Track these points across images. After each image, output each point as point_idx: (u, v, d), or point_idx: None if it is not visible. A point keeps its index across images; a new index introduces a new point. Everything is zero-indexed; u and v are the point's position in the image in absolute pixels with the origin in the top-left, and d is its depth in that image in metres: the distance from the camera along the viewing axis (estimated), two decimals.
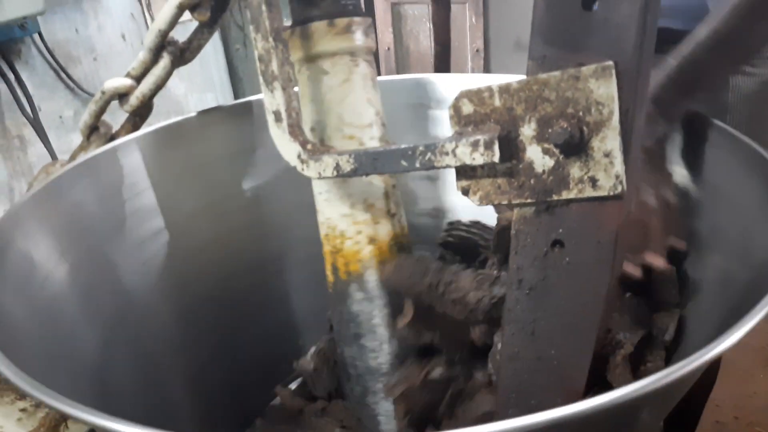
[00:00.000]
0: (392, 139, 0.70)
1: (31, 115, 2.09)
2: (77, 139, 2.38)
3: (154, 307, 0.72)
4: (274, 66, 0.57)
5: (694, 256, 0.67)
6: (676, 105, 0.72)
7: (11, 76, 1.99)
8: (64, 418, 0.86)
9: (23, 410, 0.93)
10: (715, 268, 0.63)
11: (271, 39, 0.56)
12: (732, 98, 1.01)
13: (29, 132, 2.14)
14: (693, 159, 0.72)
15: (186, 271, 0.77)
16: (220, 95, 2.97)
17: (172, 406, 0.70)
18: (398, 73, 2.95)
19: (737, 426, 1.59)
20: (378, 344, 0.71)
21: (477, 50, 2.69)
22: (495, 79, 0.78)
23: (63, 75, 2.21)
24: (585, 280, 0.49)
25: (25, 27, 1.87)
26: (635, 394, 0.38)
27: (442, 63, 1.74)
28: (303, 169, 0.59)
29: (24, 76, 2.05)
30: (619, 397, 0.37)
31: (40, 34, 2.05)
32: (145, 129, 0.79)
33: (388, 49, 2.92)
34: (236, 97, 3.05)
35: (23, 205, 0.62)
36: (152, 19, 2.48)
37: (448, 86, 0.91)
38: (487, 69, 2.72)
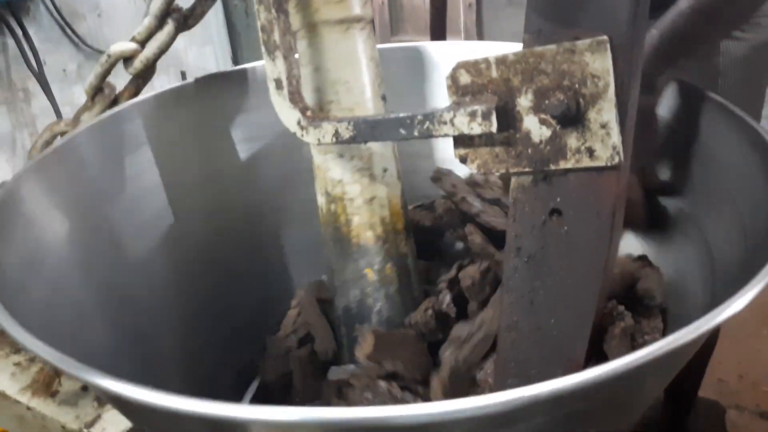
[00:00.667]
0: (391, 106, 0.70)
1: (36, 69, 2.10)
2: (79, 92, 2.39)
3: (150, 264, 0.73)
4: (276, 36, 0.57)
5: (689, 223, 0.67)
6: (661, 74, 0.71)
7: (19, 32, 2.03)
8: (57, 374, 0.88)
9: (17, 364, 0.94)
10: (712, 234, 0.64)
11: (273, 10, 0.56)
12: (723, 62, 1.00)
13: (33, 85, 2.15)
14: (682, 129, 0.72)
15: (182, 230, 0.78)
16: (218, 49, 2.95)
17: (163, 362, 0.72)
18: (392, 26, 2.91)
19: (741, 385, 1.56)
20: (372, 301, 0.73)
21: (469, 4, 2.64)
22: (490, 48, 0.78)
23: (68, 30, 2.24)
24: (583, 249, 0.50)
25: None
26: (635, 363, 0.38)
27: (438, 27, 1.72)
28: (303, 135, 0.60)
29: (31, 32, 2.08)
30: (620, 366, 0.37)
31: None
32: (146, 94, 0.80)
33: (382, 3, 2.86)
34: (234, 51, 3.03)
35: (29, 170, 0.64)
36: None
37: (444, 54, 0.91)
38: (479, 22, 2.67)
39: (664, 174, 0.73)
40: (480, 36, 2.68)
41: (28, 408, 0.84)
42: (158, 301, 0.73)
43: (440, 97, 0.90)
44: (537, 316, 0.54)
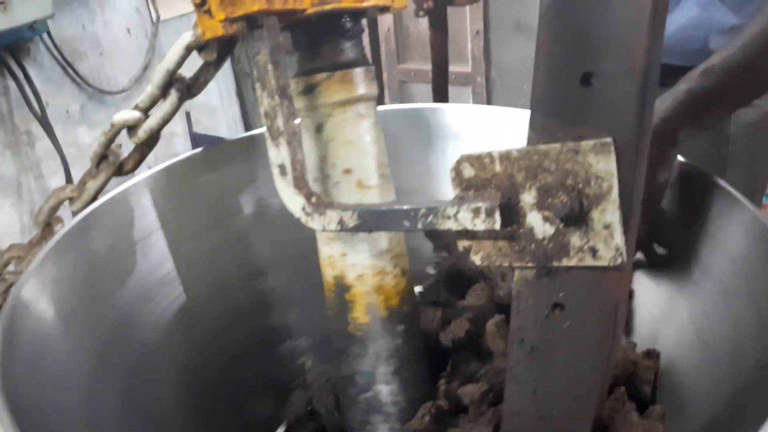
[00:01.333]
0: (395, 171, 0.71)
1: (39, 112, 2.11)
2: (83, 132, 2.40)
3: (161, 347, 0.73)
4: (280, 122, 0.58)
5: (689, 307, 0.67)
6: (683, 130, 0.71)
7: (20, 74, 2.02)
8: None
9: None
10: (718, 327, 0.63)
11: (276, 96, 0.57)
12: (734, 129, 1.01)
13: (36, 127, 2.16)
14: (686, 212, 0.72)
15: (192, 309, 0.78)
16: (222, 84, 2.96)
17: None
18: (398, 53, 2.93)
19: None
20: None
21: (477, 32, 2.67)
22: (497, 113, 0.78)
23: (70, 70, 2.23)
24: (586, 343, 0.50)
25: (34, 28, 1.89)
26: None
27: (440, 86, 1.76)
28: (307, 222, 0.60)
29: (32, 74, 2.07)
30: None
31: (48, 33, 2.06)
32: (153, 169, 0.80)
33: (389, 30, 2.90)
34: (238, 86, 3.04)
35: (36, 268, 0.63)
36: (156, 12, 2.48)
37: (447, 116, 0.92)
38: (487, 50, 2.69)
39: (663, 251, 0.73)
40: (488, 63, 2.70)
41: None
42: (171, 383, 0.72)
43: (441, 164, 0.91)
44: (540, 404, 0.54)
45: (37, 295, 0.61)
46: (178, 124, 2.67)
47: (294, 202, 0.60)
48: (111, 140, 0.84)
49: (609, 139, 0.45)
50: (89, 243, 0.69)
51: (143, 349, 0.71)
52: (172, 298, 0.76)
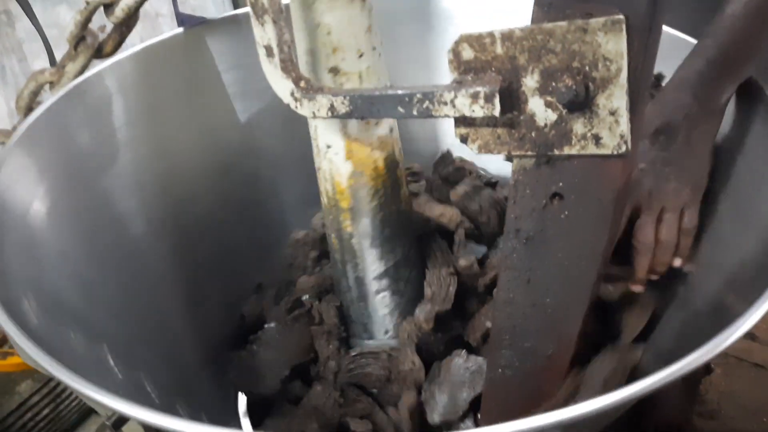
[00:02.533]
0: (389, 54, 0.67)
1: None
2: (65, 12, 2.28)
3: (151, 233, 0.72)
4: None
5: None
6: (722, 91, 0.63)
7: None
8: None
9: None
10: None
11: None
12: None
13: (15, 6, 2.04)
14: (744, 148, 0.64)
15: (181, 195, 0.76)
16: None
17: (172, 326, 0.72)
18: None
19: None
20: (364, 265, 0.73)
21: None
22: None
23: None
24: (583, 235, 0.49)
25: None
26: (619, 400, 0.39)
27: None
28: (297, 108, 0.57)
29: None
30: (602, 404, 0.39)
31: None
32: (131, 50, 0.75)
33: None
34: None
35: (14, 149, 0.61)
36: None
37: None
38: None
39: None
40: None
41: None
42: (162, 268, 0.72)
43: (441, 47, 0.86)
44: (533, 293, 0.53)
45: (16, 181, 0.59)
46: (164, 5, 2.54)
47: (282, 87, 0.57)
48: (87, 20, 0.79)
49: (621, 16, 0.41)
50: (67, 127, 0.66)
51: (132, 233, 0.70)
52: (159, 182, 0.74)
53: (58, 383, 1.53)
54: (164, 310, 0.71)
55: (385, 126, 0.67)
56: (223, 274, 0.79)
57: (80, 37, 0.81)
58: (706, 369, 1.34)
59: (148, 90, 0.74)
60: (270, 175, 0.85)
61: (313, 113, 0.56)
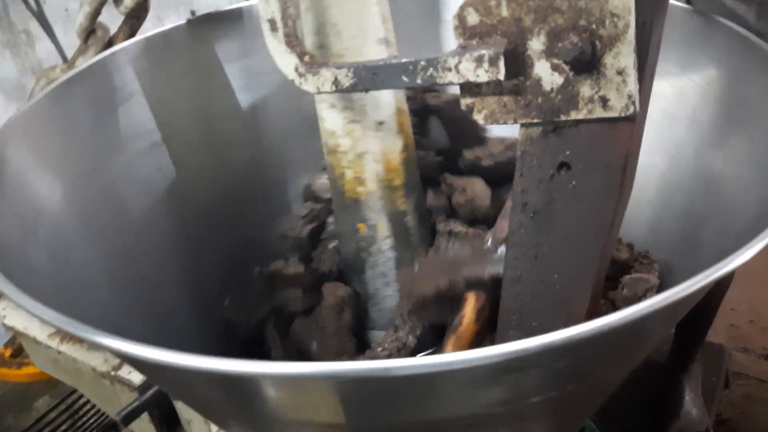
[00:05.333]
0: (402, 52, 0.66)
1: (35, 8, 2.03)
2: None
3: (151, 221, 0.71)
4: None
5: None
6: None
7: None
8: None
9: None
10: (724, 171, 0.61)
11: None
12: None
13: (35, 26, 2.08)
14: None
15: (183, 184, 0.75)
16: None
17: (173, 314, 0.71)
18: None
19: (751, 329, 1.64)
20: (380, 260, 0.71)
21: None
22: None
23: None
24: (591, 204, 0.48)
25: None
26: (641, 313, 0.38)
27: None
28: (301, 84, 0.56)
29: None
30: (625, 317, 0.37)
31: None
32: (138, 36, 0.76)
33: None
34: None
35: (18, 121, 0.61)
36: None
37: None
38: None
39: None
40: None
41: (59, 352, 0.87)
42: (161, 257, 0.71)
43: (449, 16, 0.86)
44: (541, 270, 0.52)
45: (20, 159, 0.59)
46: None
47: (286, 62, 0.56)
48: (97, 11, 0.80)
49: None
50: (68, 109, 0.66)
51: (132, 220, 0.69)
52: (159, 166, 0.74)
53: (77, 399, 1.51)
54: (163, 300, 0.70)
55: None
56: (223, 260, 0.78)
57: (90, 29, 0.81)
58: (725, 383, 1.32)
59: (151, 78, 0.74)
60: (274, 165, 0.84)
61: (318, 88, 0.55)
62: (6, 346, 1.44)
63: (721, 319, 1.42)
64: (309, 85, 0.56)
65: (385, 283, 0.73)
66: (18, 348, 1.41)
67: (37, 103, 0.64)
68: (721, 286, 1.16)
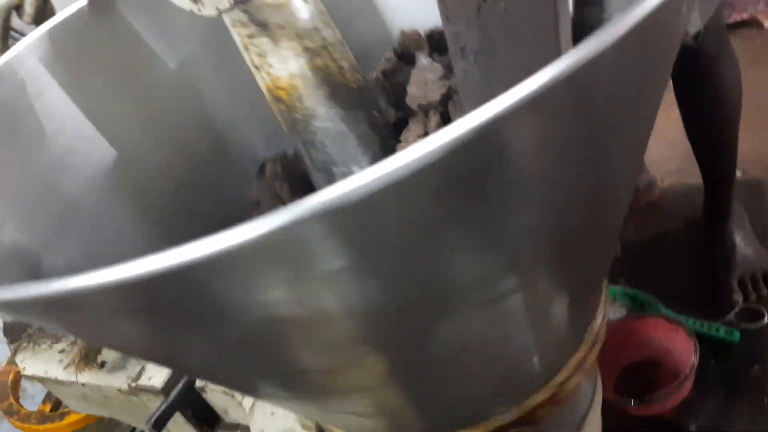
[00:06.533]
0: None
1: None
2: None
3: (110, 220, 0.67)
4: None
5: None
6: None
7: None
8: (93, 348, 0.87)
9: (62, 351, 0.96)
10: None
11: None
12: None
13: None
14: None
15: (131, 167, 0.71)
16: None
17: None
18: None
19: None
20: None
21: None
22: None
23: None
24: (530, 21, 0.43)
25: None
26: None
27: None
28: (200, 10, 0.52)
29: None
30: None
31: None
32: (35, 33, 0.71)
33: None
34: None
35: None
36: None
37: None
38: None
39: None
40: None
41: (82, 385, 0.86)
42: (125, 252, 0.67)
43: None
44: None
45: None
46: None
47: None
48: (5, 28, 0.76)
49: None
50: None
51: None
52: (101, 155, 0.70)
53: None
54: None
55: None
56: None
57: (4, 50, 0.78)
58: None
59: (66, 69, 0.70)
60: (219, 120, 0.79)
61: (217, 8, 0.51)
62: (44, 402, 1.44)
63: (756, 151, 1.33)
64: (208, 8, 0.52)
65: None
66: (56, 402, 1.41)
67: None
68: (732, 111, 1.10)
